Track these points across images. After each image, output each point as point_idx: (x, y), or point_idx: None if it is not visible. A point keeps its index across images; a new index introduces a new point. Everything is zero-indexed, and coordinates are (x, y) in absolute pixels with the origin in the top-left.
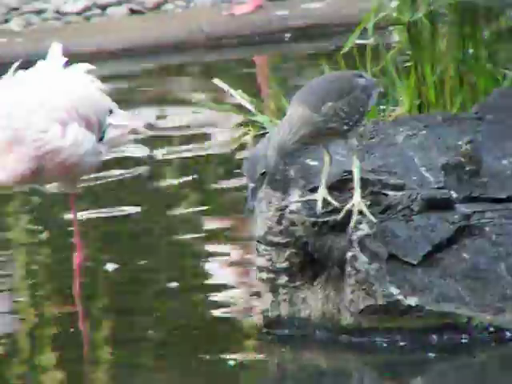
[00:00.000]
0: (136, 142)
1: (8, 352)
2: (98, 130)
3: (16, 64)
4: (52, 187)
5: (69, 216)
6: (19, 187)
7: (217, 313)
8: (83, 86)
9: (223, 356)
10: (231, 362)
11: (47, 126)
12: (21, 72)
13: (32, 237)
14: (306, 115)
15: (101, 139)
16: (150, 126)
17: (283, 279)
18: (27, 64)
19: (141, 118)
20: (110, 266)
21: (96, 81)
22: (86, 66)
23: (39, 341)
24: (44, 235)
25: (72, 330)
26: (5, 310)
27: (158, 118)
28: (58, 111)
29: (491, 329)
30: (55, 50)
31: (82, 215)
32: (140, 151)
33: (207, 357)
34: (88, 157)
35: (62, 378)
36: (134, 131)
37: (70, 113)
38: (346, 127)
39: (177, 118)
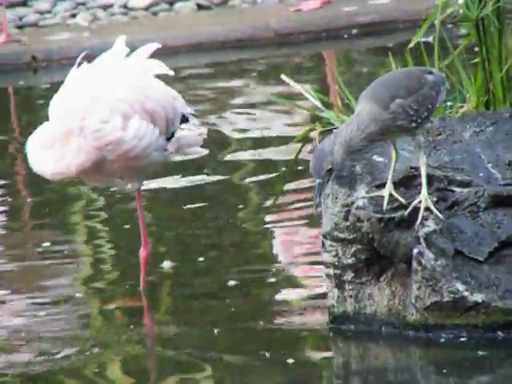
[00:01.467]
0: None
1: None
2: (166, 127)
3: (81, 55)
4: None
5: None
6: (86, 182)
7: (283, 309)
8: (151, 80)
9: (289, 352)
10: (290, 360)
11: (108, 117)
12: (86, 64)
13: (97, 232)
14: (375, 112)
15: (169, 139)
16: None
17: (349, 275)
18: (93, 59)
19: (204, 125)
20: (167, 264)
21: (169, 75)
22: (158, 62)
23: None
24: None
25: (132, 326)
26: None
27: (221, 116)
28: (120, 103)
29: None
30: (120, 42)
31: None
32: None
33: (271, 353)
34: (152, 151)
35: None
36: (201, 134)
37: (133, 105)
38: (414, 124)
39: (241, 116)
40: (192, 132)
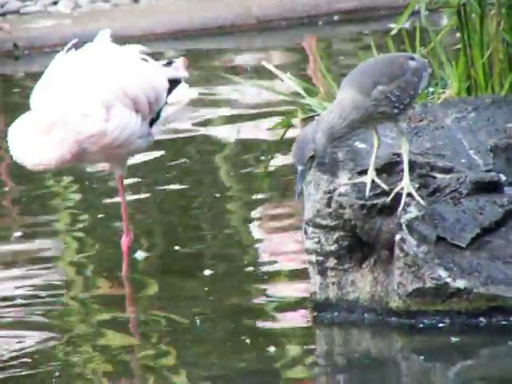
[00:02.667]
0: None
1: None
2: (150, 110)
3: (72, 42)
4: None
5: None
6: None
7: (265, 296)
8: (132, 67)
9: (270, 339)
10: (272, 349)
11: (90, 109)
12: (70, 53)
13: (78, 219)
14: (357, 99)
15: (156, 119)
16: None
17: (332, 262)
18: (75, 46)
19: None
20: (140, 255)
21: (150, 60)
22: (138, 47)
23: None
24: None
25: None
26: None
27: (206, 103)
28: (102, 93)
29: None
30: (104, 35)
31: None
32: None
33: (252, 340)
34: (135, 139)
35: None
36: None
37: (117, 95)
38: (396, 110)
39: (224, 102)
40: (179, 106)
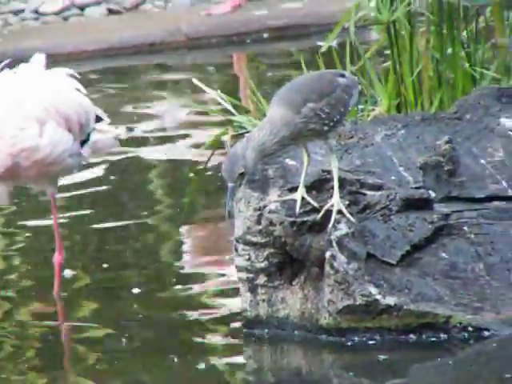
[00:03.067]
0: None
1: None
2: (80, 131)
3: (5, 62)
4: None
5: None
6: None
7: (195, 313)
8: (64, 87)
9: (200, 357)
10: (202, 366)
11: (24, 124)
12: (4, 71)
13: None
14: (287, 117)
15: (85, 142)
16: (129, 130)
17: (262, 279)
18: (9, 65)
19: (120, 127)
20: (67, 273)
21: (79, 85)
22: (67, 70)
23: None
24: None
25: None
26: None
27: (136, 119)
28: (36, 109)
29: (470, 328)
30: (38, 59)
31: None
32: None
33: (181, 358)
34: (66, 157)
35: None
36: (116, 137)
37: (49, 111)
38: (326, 128)
39: (154, 119)
40: (108, 134)
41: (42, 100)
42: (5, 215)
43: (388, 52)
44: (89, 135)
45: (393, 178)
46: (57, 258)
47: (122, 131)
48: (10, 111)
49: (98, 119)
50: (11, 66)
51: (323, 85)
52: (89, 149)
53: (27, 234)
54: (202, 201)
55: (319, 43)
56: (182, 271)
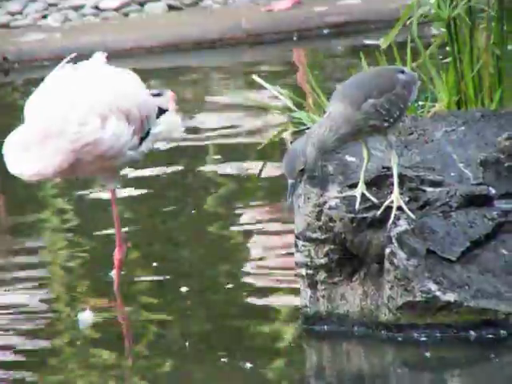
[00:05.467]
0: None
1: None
2: (140, 127)
3: (68, 58)
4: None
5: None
6: (60, 178)
7: (255, 309)
8: (125, 83)
9: (259, 353)
10: (261, 362)
11: (86, 119)
12: (67, 67)
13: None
14: (347, 113)
15: (146, 135)
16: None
17: (322, 275)
18: (72, 60)
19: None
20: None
21: (139, 81)
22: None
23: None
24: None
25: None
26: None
27: (196, 113)
28: (97, 105)
29: None
30: (99, 57)
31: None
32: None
33: (239, 355)
34: (126, 150)
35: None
36: (178, 127)
37: (111, 107)
38: (386, 124)
39: (216, 116)
40: (169, 126)
41: (104, 96)
42: (67, 218)
43: (448, 48)
44: (148, 132)
45: (453, 174)
46: (117, 253)
47: (182, 120)
48: (72, 107)
49: (161, 111)
50: (73, 61)
51: (383, 81)
52: (148, 144)
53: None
54: (262, 197)
55: (366, 41)
56: (243, 265)
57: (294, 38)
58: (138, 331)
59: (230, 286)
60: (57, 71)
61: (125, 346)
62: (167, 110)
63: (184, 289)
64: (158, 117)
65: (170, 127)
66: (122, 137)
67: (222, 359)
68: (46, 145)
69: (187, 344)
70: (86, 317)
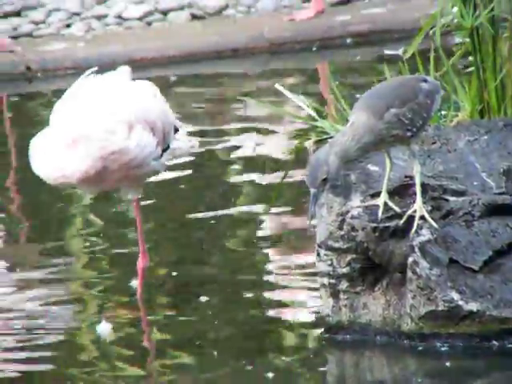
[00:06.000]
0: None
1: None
2: (163, 138)
3: (93, 69)
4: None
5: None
6: (84, 190)
7: (278, 317)
8: (149, 96)
9: (282, 362)
10: (283, 371)
11: (114, 127)
12: (94, 77)
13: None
14: (370, 123)
15: (165, 150)
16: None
17: (344, 284)
18: (89, 69)
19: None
20: (135, 283)
21: (161, 96)
22: (150, 83)
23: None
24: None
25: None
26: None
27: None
28: (124, 114)
29: None
30: (124, 69)
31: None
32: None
33: (261, 363)
34: (151, 160)
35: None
36: (192, 147)
37: (137, 116)
38: (409, 133)
39: (235, 126)
40: (185, 144)
41: (131, 105)
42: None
43: (471, 58)
44: (168, 145)
45: (475, 183)
46: (140, 262)
47: (196, 142)
48: (99, 115)
49: (175, 130)
50: (97, 72)
51: (406, 90)
52: (168, 156)
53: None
54: (286, 205)
55: (387, 51)
56: (265, 273)
57: (314, 48)
58: (160, 342)
59: (250, 294)
60: (84, 79)
61: (146, 358)
62: (179, 130)
63: (204, 298)
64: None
65: (186, 145)
66: (147, 147)
67: (246, 367)
68: (75, 150)
69: (213, 352)
70: (104, 328)
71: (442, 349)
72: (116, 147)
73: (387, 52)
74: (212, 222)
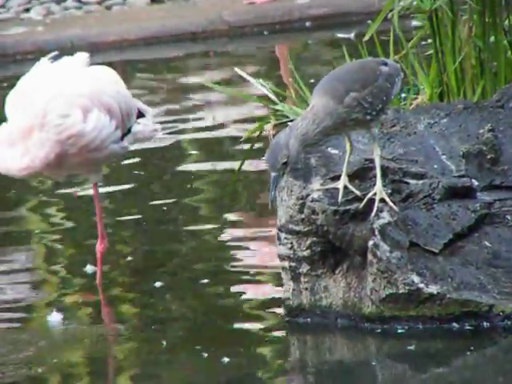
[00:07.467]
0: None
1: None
2: (122, 123)
3: (53, 53)
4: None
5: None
6: (47, 175)
7: (238, 301)
8: (106, 80)
9: (242, 345)
10: (243, 354)
11: (69, 111)
12: (47, 61)
13: (55, 224)
14: (330, 106)
15: (127, 133)
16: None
17: (305, 268)
18: (48, 53)
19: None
20: (90, 269)
21: (120, 80)
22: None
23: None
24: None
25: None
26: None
27: (177, 109)
28: (79, 97)
29: None
30: (82, 56)
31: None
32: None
33: (221, 347)
34: (110, 143)
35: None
36: (155, 130)
37: (92, 100)
38: (369, 117)
39: (196, 109)
40: (147, 127)
41: (86, 89)
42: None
43: (430, 41)
44: (130, 129)
45: (435, 166)
46: (99, 246)
47: (159, 126)
48: (54, 101)
49: (141, 114)
50: (57, 57)
51: (366, 74)
52: (130, 140)
53: (70, 225)
54: (245, 189)
55: (339, 35)
56: (226, 259)
57: (265, 33)
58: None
59: (208, 280)
60: (35, 67)
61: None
62: (145, 116)
63: (159, 284)
64: (138, 118)
65: (148, 129)
66: (105, 130)
67: (202, 353)
68: (31, 139)
69: (168, 337)
70: (55, 318)
71: (403, 331)
72: (73, 131)
73: (339, 35)
74: (170, 209)
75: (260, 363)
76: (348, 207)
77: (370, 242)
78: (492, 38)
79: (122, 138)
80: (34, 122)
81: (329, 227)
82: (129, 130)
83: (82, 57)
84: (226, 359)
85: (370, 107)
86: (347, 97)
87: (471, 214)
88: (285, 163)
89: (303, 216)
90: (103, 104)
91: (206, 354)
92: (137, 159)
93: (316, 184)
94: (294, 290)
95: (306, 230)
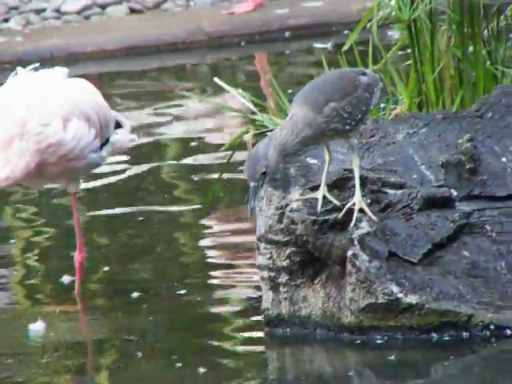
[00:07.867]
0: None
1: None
2: (101, 131)
3: (34, 66)
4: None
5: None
6: (28, 185)
7: (217, 311)
8: (84, 91)
9: (221, 355)
10: (224, 364)
11: (49, 120)
12: (26, 71)
13: (34, 235)
14: (309, 117)
15: (106, 143)
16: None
17: (284, 278)
18: (27, 63)
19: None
20: (66, 279)
21: (98, 92)
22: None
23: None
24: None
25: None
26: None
27: (156, 120)
28: (59, 106)
29: (491, 326)
30: (61, 70)
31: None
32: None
33: (199, 357)
34: (89, 152)
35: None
36: (132, 140)
37: (72, 109)
38: (348, 127)
39: (174, 119)
40: (125, 137)
41: (65, 99)
42: (27, 214)
43: (409, 50)
44: (108, 139)
45: (414, 176)
46: (77, 256)
47: (136, 136)
48: (34, 110)
49: (118, 125)
50: (36, 69)
51: (345, 84)
52: (108, 150)
53: (47, 235)
54: (224, 199)
55: (316, 45)
56: (204, 267)
57: (243, 43)
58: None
59: (185, 290)
60: (13, 78)
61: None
62: (122, 127)
63: (136, 294)
64: (116, 128)
65: (126, 139)
66: (84, 139)
67: (176, 364)
68: (11, 148)
69: (144, 348)
70: (38, 328)
71: (382, 342)
72: (53, 139)
73: (316, 45)
74: (146, 218)
75: (237, 374)
76: (327, 217)
77: (349, 252)
78: (471, 48)
79: (100, 148)
80: (14, 131)
81: (308, 237)
82: (107, 140)
83: (62, 70)
84: (201, 370)
85: (350, 117)
86: (326, 107)
87: (450, 224)
88: (264, 173)
89: (282, 226)
90: (83, 113)
91: (181, 364)
92: (114, 166)
93: (295, 194)
94: (273, 299)
95: (285, 239)
